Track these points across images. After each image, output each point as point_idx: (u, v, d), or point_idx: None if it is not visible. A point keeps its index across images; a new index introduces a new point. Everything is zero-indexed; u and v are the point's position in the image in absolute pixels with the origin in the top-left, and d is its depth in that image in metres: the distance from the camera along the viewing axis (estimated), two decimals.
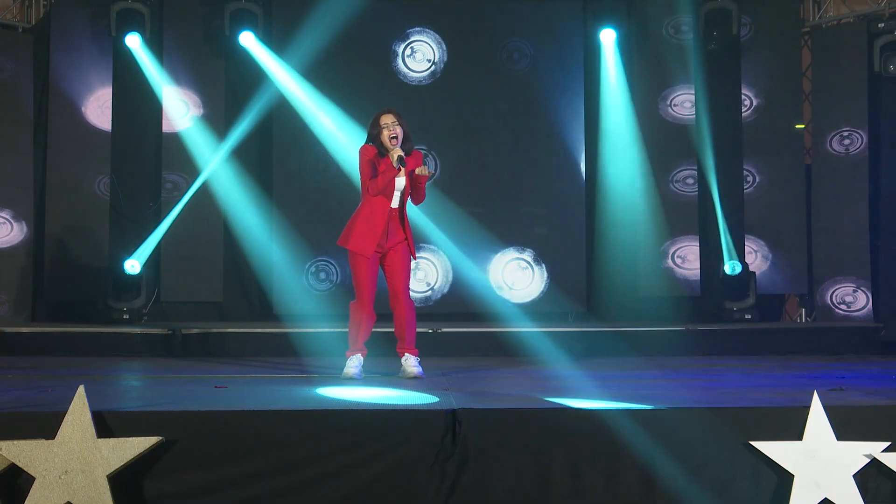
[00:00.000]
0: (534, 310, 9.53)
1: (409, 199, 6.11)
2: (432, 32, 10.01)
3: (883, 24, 9.49)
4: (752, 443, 4.20)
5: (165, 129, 9.78)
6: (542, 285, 9.83)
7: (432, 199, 9.72)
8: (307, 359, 7.29)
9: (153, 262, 9.65)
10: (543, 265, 9.83)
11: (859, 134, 9.67)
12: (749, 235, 9.88)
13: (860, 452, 4.19)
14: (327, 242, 9.60)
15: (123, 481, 4.10)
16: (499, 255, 9.81)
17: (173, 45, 9.89)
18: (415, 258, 6.13)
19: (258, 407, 4.47)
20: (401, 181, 5.98)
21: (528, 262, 9.85)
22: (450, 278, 9.82)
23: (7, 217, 9.50)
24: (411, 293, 6.29)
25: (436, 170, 6.10)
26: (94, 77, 9.80)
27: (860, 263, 9.60)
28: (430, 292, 9.80)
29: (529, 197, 9.98)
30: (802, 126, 10.02)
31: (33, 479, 4.05)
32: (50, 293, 9.65)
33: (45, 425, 4.11)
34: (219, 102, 9.91)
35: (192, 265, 9.78)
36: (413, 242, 6.14)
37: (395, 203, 6.01)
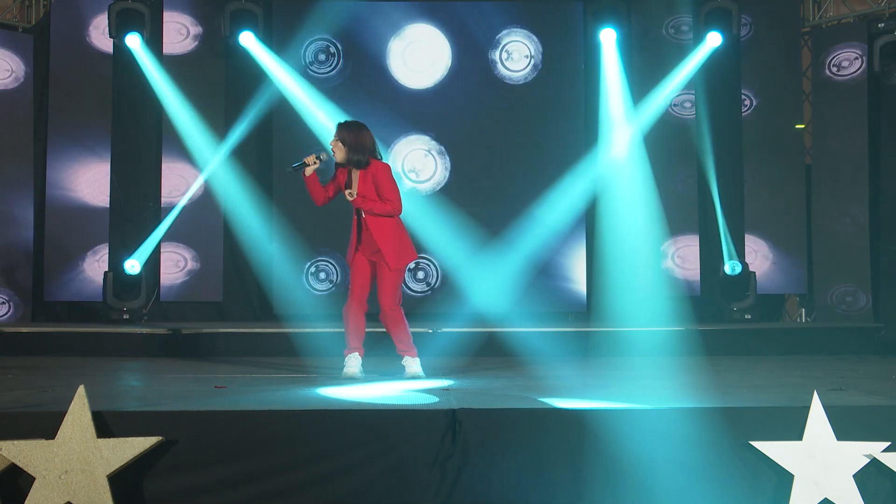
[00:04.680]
0: None
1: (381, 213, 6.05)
2: (433, 32, 10.01)
3: (883, 24, 9.49)
4: (752, 443, 4.20)
5: (166, 124, 9.80)
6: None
7: (431, 199, 9.76)
8: (307, 359, 7.29)
9: (153, 262, 9.65)
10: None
11: (859, 134, 9.68)
12: (749, 235, 9.88)
13: (860, 452, 4.18)
14: (327, 242, 9.63)
15: (123, 481, 4.10)
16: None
17: (173, 45, 9.89)
18: (390, 269, 6.01)
19: (258, 407, 4.47)
20: (351, 194, 6.01)
21: None
22: (450, 279, 9.81)
23: (8, 217, 9.52)
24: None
25: (317, 159, 5.99)
26: (94, 77, 9.80)
27: (860, 263, 9.60)
28: (429, 292, 9.80)
29: (529, 196, 9.97)
30: (802, 126, 10.03)
31: (33, 479, 4.05)
32: (50, 293, 9.65)
33: (45, 425, 4.11)
34: (219, 102, 9.91)
35: (192, 265, 9.78)
36: (393, 254, 6.00)
37: (362, 212, 6.05)
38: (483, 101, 9.98)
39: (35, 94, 9.77)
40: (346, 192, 5.99)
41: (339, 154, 5.98)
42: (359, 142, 5.96)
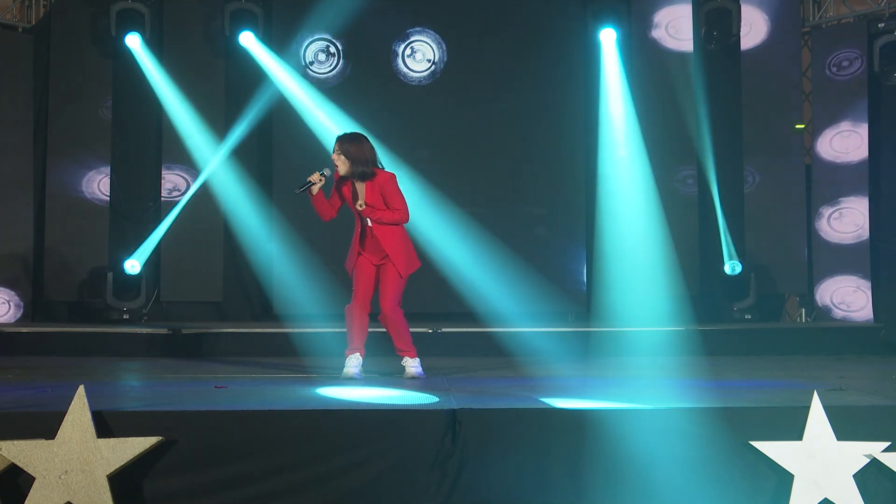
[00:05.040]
0: None
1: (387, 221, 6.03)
2: (432, 32, 10.01)
3: (883, 24, 9.49)
4: (752, 443, 4.20)
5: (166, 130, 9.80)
6: None
7: (431, 200, 9.75)
8: (307, 359, 7.29)
9: (153, 262, 9.65)
10: None
11: (859, 134, 9.67)
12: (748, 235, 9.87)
13: (860, 452, 4.18)
14: (327, 242, 9.62)
15: (123, 481, 4.10)
16: None
17: (173, 45, 9.89)
18: (402, 276, 6.04)
19: (258, 407, 4.47)
20: (361, 205, 6.02)
21: None
22: (450, 278, 9.80)
23: (8, 217, 9.51)
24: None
25: (325, 174, 6.01)
26: (94, 77, 9.81)
27: (860, 263, 9.60)
28: (429, 292, 9.78)
29: (529, 196, 9.99)
30: (802, 126, 10.02)
31: (33, 479, 4.05)
32: (50, 293, 9.65)
33: (45, 425, 4.11)
34: (219, 102, 9.91)
35: (192, 265, 9.78)
36: (402, 261, 6.03)
37: (369, 222, 6.04)
38: (482, 99, 9.97)
39: (35, 93, 9.77)
40: (357, 203, 5.98)
41: (343, 167, 5.96)
42: (362, 154, 5.95)
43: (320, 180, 5.99)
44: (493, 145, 10.00)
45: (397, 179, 6.05)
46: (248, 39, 9.68)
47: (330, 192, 6.14)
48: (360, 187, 6.01)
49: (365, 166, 5.95)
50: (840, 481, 4.14)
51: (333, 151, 5.99)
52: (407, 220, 6.06)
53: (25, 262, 9.55)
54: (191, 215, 9.65)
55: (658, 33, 10.01)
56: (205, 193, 9.68)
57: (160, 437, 4.11)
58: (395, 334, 6.11)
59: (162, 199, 9.82)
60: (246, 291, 9.99)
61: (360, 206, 5.98)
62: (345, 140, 6.00)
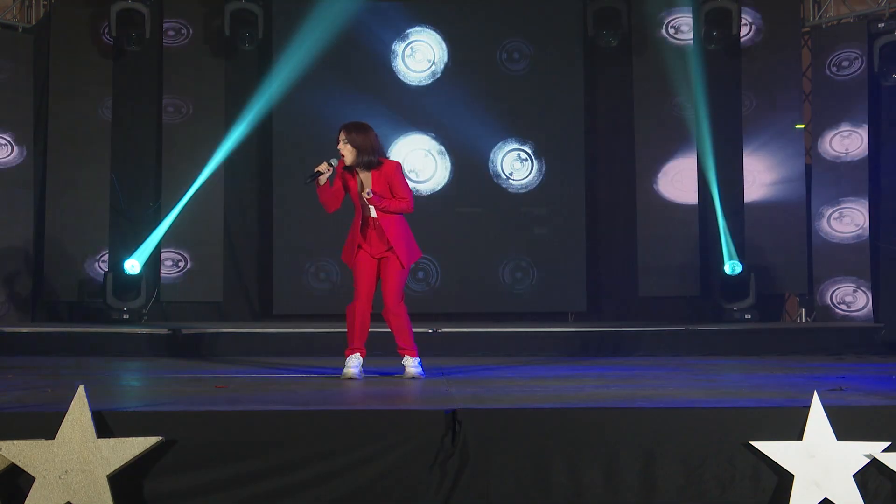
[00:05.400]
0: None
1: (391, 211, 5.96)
2: (432, 32, 10.02)
3: (883, 24, 9.49)
4: (752, 443, 4.19)
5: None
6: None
7: (432, 200, 9.76)
8: (307, 359, 7.29)
9: (153, 262, 9.65)
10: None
11: (859, 134, 9.67)
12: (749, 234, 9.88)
13: (860, 452, 4.18)
14: (327, 242, 9.64)
15: (123, 481, 4.10)
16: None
17: (173, 45, 9.89)
18: (404, 267, 5.96)
19: (258, 407, 4.47)
20: (369, 194, 5.94)
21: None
22: (450, 278, 9.82)
23: (8, 217, 9.52)
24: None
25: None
26: (94, 77, 9.81)
27: (860, 263, 9.60)
28: (429, 292, 9.81)
29: (529, 196, 9.99)
30: (802, 126, 10.03)
31: (33, 479, 4.05)
32: (50, 293, 9.65)
33: (45, 425, 4.10)
34: (219, 102, 9.91)
35: (192, 265, 9.78)
36: (405, 252, 5.94)
37: (372, 213, 5.93)
38: (482, 100, 9.98)
39: (35, 93, 9.77)
40: (364, 192, 5.92)
41: (349, 156, 5.87)
42: (367, 142, 5.87)
43: (328, 170, 5.87)
44: (493, 144, 10.00)
45: (403, 168, 6.01)
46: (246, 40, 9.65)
47: (333, 182, 6.07)
48: (366, 177, 5.93)
49: (371, 155, 5.87)
50: (840, 481, 4.14)
51: (338, 140, 5.93)
52: (412, 209, 5.96)
53: (25, 262, 9.55)
54: (191, 215, 9.66)
55: (658, 33, 10.01)
56: (205, 193, 9.69)
57: (160, 437, 4.11)
58: (398, 331, 6.03)
59: (162, 198, 9.83)
60: (246, 291, 9.99)
61: (368, 194, 5.88)
62: (350, 129, 5.89)
